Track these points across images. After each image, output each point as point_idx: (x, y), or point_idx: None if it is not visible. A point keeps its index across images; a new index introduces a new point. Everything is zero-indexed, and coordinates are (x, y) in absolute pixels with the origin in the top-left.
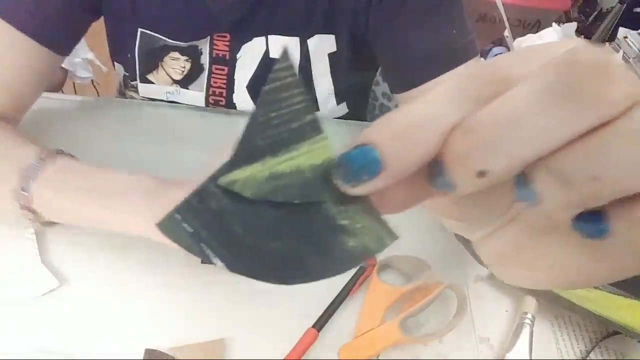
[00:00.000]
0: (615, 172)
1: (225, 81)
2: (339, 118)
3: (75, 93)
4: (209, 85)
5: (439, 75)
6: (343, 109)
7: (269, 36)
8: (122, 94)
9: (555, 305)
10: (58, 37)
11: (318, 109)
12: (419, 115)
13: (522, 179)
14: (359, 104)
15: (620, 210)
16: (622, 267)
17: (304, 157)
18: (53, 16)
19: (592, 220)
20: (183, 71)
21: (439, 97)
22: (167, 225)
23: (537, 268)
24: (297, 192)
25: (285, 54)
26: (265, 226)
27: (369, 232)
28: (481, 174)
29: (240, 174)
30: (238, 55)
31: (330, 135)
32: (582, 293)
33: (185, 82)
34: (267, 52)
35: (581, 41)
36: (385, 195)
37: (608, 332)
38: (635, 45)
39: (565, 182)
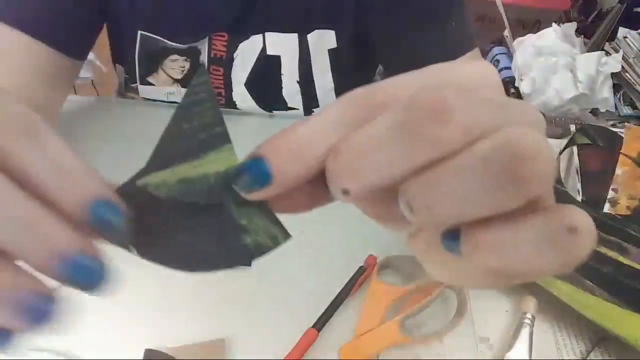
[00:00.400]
0: (444, 203)
1: (221, 81)
2: None
3: (75, 93)
4: None
5: None
6: None
7: (266, 33)
8: (121, 95)
9: (554, 306)
10: (72, 41)
11: (316, 106)
12: (303, 135)
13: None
14: None
15: (469, 233)
16: (482, 281)
17: (210, 164)
18: (64, 20)
19: (449, 239)
20: (183, 70)
21: (323, 118)
22: None
23: (444, 266)
24: (203, 195)
25: (201, 70)
26: (175, 222)
27: (264, 232)
28: (344, 192)
29: (154, 178)
30: (235, 55)
31: None
32: (581, 299)
33: (185, 81)
34: (264, 49)
35: (475, 68)
36: (282, 199)
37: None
38: (635, 45)
39: (410, 208)
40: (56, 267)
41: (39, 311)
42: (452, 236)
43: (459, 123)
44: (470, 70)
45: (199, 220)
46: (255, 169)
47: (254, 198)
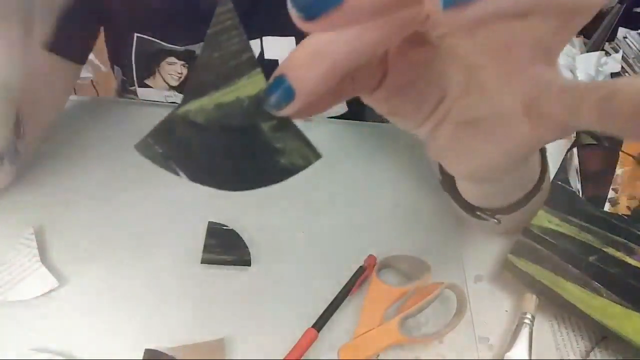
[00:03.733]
0: None
1: None
2: (338, 117)
3: (75, 93)
4: None
5: None
6: (343, 107)
7: (263, 37)
8: (120, 96)
9: (555, 305)
10: (71, 45)
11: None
12: (318, 41)
13: None
14: (359, 104)
15: None
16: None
17: (243, 89)
18: (63, 24)
19: None
20: (180, 77)
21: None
22: (143, 147)
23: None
24: (239, 117)
25: None
26: (216, 146)
27: (297, 152)
28: None
29: (192, 105)
30: None
31: (329, 136)
32: (588, 300)
33: (182, 88)
34: (262, 53)
35: None
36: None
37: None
38: (635, 45)
39: None
40: None
41: None
42: None
43: None
44: None
45: (238, 144)
46: (278, 87)
47: (285, 114)
